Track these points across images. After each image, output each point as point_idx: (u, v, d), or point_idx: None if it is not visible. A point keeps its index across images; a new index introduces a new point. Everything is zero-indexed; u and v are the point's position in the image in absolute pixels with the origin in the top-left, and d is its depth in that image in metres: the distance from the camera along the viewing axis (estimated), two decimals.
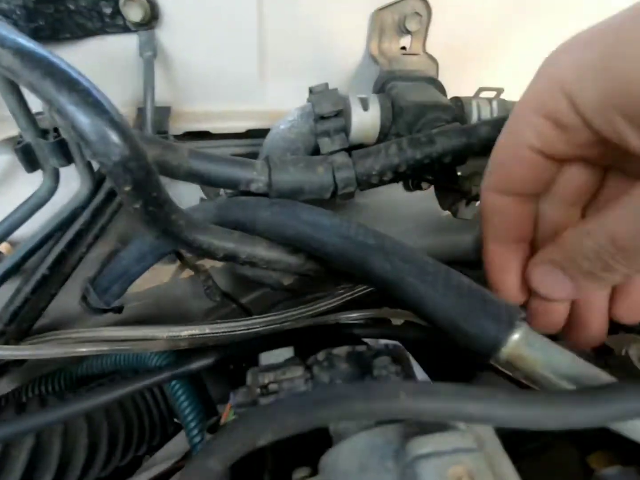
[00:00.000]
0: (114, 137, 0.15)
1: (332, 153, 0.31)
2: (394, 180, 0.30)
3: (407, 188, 0.40)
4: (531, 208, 0.23)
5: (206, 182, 0.26)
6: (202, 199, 0.39)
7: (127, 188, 0.17)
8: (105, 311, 0.33)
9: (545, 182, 0.22)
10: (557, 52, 0.18)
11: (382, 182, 0.30)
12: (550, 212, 0.23)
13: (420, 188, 0.38)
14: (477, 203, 0.36)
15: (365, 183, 0.31)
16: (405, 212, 0.56)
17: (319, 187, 0.29)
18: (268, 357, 0.25)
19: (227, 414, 0.27)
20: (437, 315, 0.21)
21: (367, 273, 0.23)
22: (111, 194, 0.33)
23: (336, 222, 0.26)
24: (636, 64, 0.14)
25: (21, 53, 0.14)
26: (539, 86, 0.19)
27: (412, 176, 0.32)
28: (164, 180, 0.20)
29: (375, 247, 0.23)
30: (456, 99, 0.37)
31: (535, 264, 0.22)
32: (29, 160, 0.28)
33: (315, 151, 0.34)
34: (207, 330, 0.33)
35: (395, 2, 0.38)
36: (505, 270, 0.23)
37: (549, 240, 0.22)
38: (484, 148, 0.29)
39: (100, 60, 0.34)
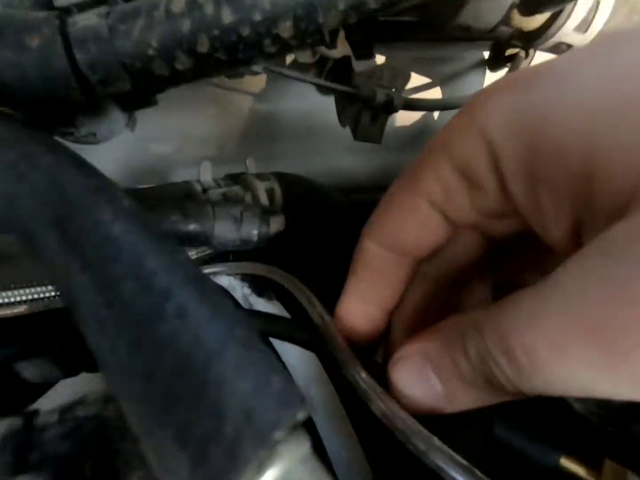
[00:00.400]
0: None
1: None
2: (201, 72, 0.16)
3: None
4: (410, 272, 0.18)
5: None
6: None
7: None
8: None
9: (435, 246, 0.17)
10: (488, 89, 0.14)
11: (178, 76, 0.16)
12: (431, 285, 0.19)
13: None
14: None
15: (142, 73, 0.16)
16: (327, 120, 0.43)
17: (34, 79, 0.15)
18: None
19: None
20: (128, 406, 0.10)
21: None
22: None
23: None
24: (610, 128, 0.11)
25: None
26: (458, 126, 0.15)
27: (235, 62, 0.17)
28: None
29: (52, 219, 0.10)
30: None
31: (401, 356, 0.16)
32: None
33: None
34: None
35: None
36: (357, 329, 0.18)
37: (423, 320, 0.18)
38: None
39: None
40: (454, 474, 0.14)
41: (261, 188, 0.37)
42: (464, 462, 0.15)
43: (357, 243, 0.18)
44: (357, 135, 0.29)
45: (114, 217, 0.10)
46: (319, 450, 0.40)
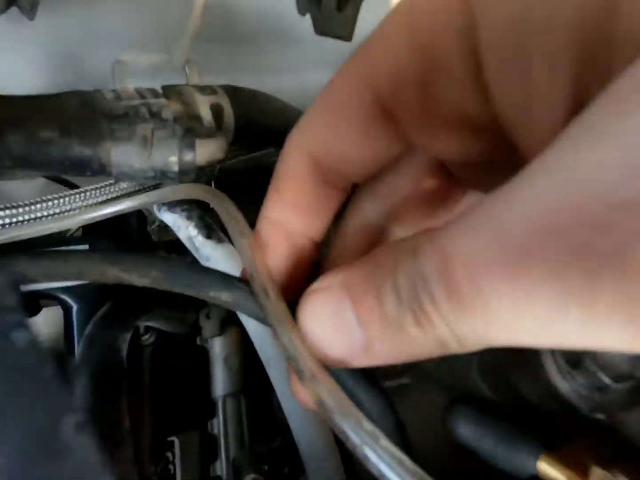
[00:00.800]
0: None
1: None
2: None
3: None
4: (342, 198, 0.16)
5: None
6: None
7: None
8: None
9: (374, 167, 0.15)
10: None
11: None
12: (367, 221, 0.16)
13: None
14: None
15: None
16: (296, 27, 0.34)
17: None
18: None
19: None
20: None
21: None
22: None
23: None
24: None
25: None
26: None
27: None
28: None
29: None
30: None
31: (315, 288, 0.13)
32: None
33: None
34: None
35: None
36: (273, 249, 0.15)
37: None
38: None
39: None
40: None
41: (204, 104, 0.29)
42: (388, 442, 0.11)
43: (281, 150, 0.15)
44: (318, 25, 0.21)
45: None
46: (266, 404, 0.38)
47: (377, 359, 0.12)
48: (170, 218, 0.33)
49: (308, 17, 0.31)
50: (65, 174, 0.18)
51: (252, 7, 0.39)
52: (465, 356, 0.27)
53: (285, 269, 0.16)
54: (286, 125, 0.37)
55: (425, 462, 0.13)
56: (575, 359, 0.17)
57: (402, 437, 0.15)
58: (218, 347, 0.38)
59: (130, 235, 0.41)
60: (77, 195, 0.28)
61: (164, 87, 0.30)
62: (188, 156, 0.19)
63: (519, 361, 0.19)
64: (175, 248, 0.39)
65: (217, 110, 0.30)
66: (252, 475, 0.27)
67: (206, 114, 0.29)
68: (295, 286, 0.16)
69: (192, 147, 0.20)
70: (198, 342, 0.39)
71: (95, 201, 0.28)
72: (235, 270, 0.33)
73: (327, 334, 0.12)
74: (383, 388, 0.17)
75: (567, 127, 0.08)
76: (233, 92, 0.32)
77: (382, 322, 0.11)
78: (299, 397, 0.15)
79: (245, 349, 0.39)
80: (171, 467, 0.34)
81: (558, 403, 0.17)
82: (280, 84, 0.41)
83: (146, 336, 0.46)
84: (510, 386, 0.20)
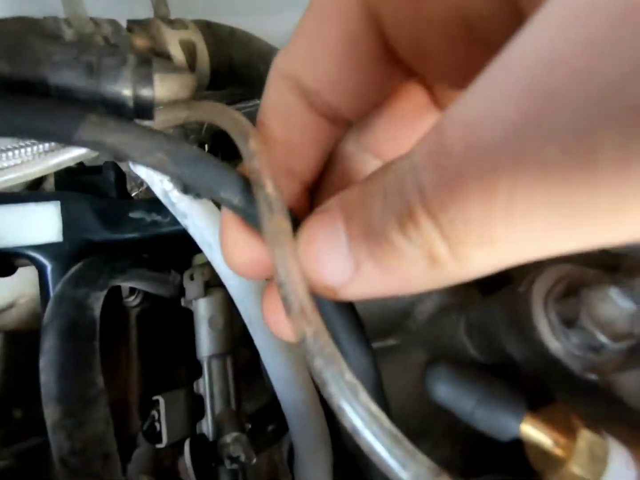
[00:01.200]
0: None
1: None
2: None
3: None
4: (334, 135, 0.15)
5: None
6: None
7: None
8: None
9: (365, 92, 0.14)
10: None
11: None
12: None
13: None
14: None
15: None
16: None
17: None
18: None
19: None
20: None
21: None
22: None
23: None
24: None
25: None
26: None
27: None
28: None
29: None
30: None
31: (317, 211, 0.12)
32: None
33: None
34: None
35: None
36: None
37: None
38: None
39: None
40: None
41: (173, 39, 0.26)
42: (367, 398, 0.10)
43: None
44: None
45: None
46: (256, 365, 0.37)
47: (367, 287, 0.11)
48: (143, 171, 0.31)
49: None
50: None
51: None
52: (452, 314, 0.26)
53: None
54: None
55: (406, 424, 0.12)
56: (570, 318, 0.15)
57: (382, 400, 0.14)
58: (202, 309, 0.37)
59: (108, 193, 0.38)
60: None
61: (128, 21, 0.26)
62: (145, 91, 0.17)
63: (508, 319, 0.18)
64: (156, 207, 0.37)
65: (188, 48, 0.27)
66: (234, 434, 0.27)
67: (176, 52, 0.26)
68: None
69: (149, 80, 0.17)
70: (182, 303, 0.38)
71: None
72: (215, 229, 0.31)
73: (319, 256, 0.11)
74: (371, 346, 0.15)
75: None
76: (207, 28, 0.29)
77: (368, 234, 0.10)
78: (275, 328, 0.14)
79: (231, 311, 0.38)
80: (157, 424, 0.34)
81: (546, 362, 0.15)
82: (262, 26, 0.37)
83: (131, 298, 0.45)
84: (496, 345, 0.19)
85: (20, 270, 0.49)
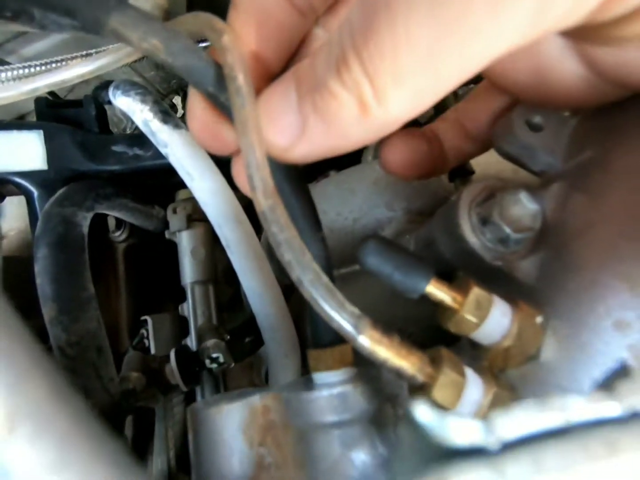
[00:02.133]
0: None
1: None
2: None
3: None
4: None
5: None
6: None
7: None
8: None
9: None
10: None
11: None
12: None
13: None
14: None
15: None
16: None
17: None
18: None
19: None
20: None
21: None
22: None
23: None
24: None
25: None
26: None
27: None
28: None
29: None
30: None
31: (276, 81, 0.14)
32: None
33: None
34: None
35: None
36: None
37: None
38: None
39: None
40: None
41: None
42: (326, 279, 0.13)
43: None
44: None
45: None
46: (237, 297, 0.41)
47: (314, 141, 0.13)
48: (124, 102, 0.32)
49: None
50: None
51: None
52: (406, 236, 0.29)
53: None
54: None
55: None
56: (485, 217, 0.18)
57: (329, 270, 0.17)
58: (185, 240, 0.40)
59: (90, 127, 0.39)
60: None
61: None
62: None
63: (442, 225, 0.21)
64: (138, 142, 0.38)
65: None
66: (214, 340, 0.30)
67: None
68: None
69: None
70: (167, 235, 0.41)
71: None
72: (196, 159, 0.33)
73: (272, 115, 0.13)
74: (321, 228, 0.18)
75: None
76: None
77: (313, 89, 0.12)
78: (242, 186, 0.16)
79: (213, 243, 0.40)
80: (146, 341, 0.38)
81: (466, 255, 0.19)
82: None
83: (118, 233, 0.47)
84: (434, 252, 0.22)
85: (6, 206, 0.50)
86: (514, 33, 0.10)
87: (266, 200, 0.13)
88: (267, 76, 0.16)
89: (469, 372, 0.14)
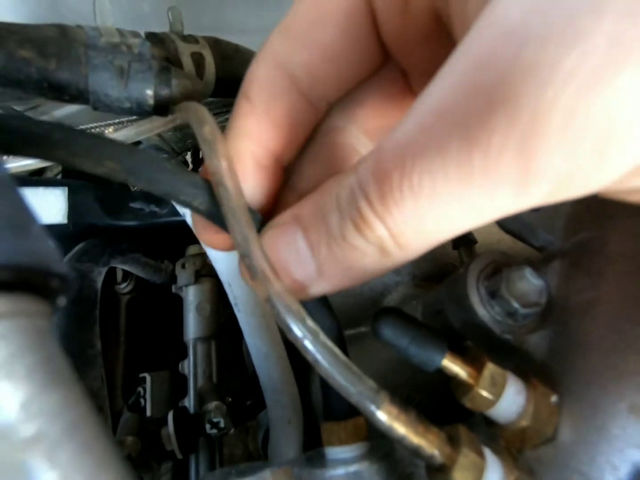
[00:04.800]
0: None
1: None
2: None
3: None
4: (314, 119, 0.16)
5: None
6: None
7: None
8: None
9: (350, 73, 0.15)
10: None
11: None
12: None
13: None
14: None
15: None
16: None
17: None
18: None
19: None
20: None
21: None
22: None
23: None
24: None
25: None
26: None
27: None
28: None
29: None
30: None
31: (272, 224, 0.14)
32: None
33: None
34: None
35: None
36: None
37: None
38: None
39: None
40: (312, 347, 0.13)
41: (185, 52, 0.30)
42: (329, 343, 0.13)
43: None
44: None
45: None
46: (239, 345, 0.40)
47: (332, 282, 0.13)
48: None
49: None
50: (46, 97, 0.19)
51: None
52: (413, 302, 0.30)
53: (253, 186, 0.15)
54: None
55: None
56: (493, 290, 0.19)
57: (338, 337, 0.17)
58: (191, 295, 0.40)
59: (110, 183, 0.41)
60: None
61: (147, 34, 0.30)
62: (164, 90, 0.21)
63: (450, 296, 0.22)
64: (155, 199, 0.40)
65: (198, 60, 0.31)
66: (215, 402, 0.29)
67: (187, 62, 0.30)
68: (268, 205, 0.16)
69: (168, 83, 0.21)
70: (173, 290, 0.41)
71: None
72: None
73: (284, 263, 0.13)
74: (331, 306, 0.19)
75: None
76: (215, 44, 0.33)
77: (328, 240, 0.12)
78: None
79: (218, 300, 0.41)
80: (142, 400, 0.36)
81: (475, 326, 0.19)
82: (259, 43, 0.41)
83: (123, 285, 0.47)
84: (442, 320, 0.23)
85: None
86: (526, 205, 0.10)
87: (270, 287, 0.13)
88: (278, 165, 0.16)
89: (488, 453, 0.14)
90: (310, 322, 0.14)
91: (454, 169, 0.10)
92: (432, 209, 0.11)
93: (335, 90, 0.15)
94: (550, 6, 0.09)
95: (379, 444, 0.17)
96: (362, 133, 0.17)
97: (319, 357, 0.14)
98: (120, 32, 0.27)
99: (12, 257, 0.07)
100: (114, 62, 0.19)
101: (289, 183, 0.17)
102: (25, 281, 0.07)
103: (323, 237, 0.13)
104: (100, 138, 0.13)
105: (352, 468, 0.15)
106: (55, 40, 0.19)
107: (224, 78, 0.34)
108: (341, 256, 0.12)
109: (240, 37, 0.42)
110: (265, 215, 0.15)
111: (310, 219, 0.13)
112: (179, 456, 0.29)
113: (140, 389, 0.37)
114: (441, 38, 0.14)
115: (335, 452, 0.16)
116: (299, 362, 0.34)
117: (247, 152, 0.15)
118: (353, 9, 0.14)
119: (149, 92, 0.20)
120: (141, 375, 0.37)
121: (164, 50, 0.29)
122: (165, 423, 0.31)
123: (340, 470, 0.14)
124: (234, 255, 0.33)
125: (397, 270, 0.33)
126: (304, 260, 0.13)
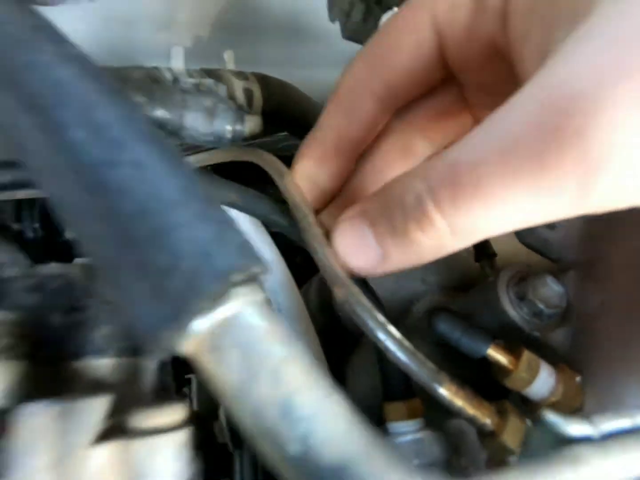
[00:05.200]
0: None
1: None
2: None
3: None
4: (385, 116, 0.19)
5: None
6: None
7: None
8: None
9: (420, 86, 0.18)
10: None
11: None
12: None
13: None
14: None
15: None
16: (317, 26, 0.39)
17: None
18: None
19: None
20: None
21: None
22: None
23: None
24: None
25: None
26: None
27: None
28: None
29: None
30: None
31: (341, 219, 0.17)
32: None
33: None
34: None
35: None
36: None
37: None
38: None
39: None
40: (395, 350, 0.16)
41: (238, 86, 0.34)
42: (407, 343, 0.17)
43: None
44: (345, 30, 0.27)
45: (58, 60, 0.09)
46: None
47: (393, 266, 0.15)
48: None
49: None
50: None
51: (282, 5, 0.43)
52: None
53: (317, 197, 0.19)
54: (306, 115, 0.42)
55: None
56: (522, 293, 0.23)
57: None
58: None
59: None
60: None
61: (205, 70, 0.35)
62: (239, 127, 0.25)
63: (482, 301, 0.25)
64: None
65: (248, 94, 0.35)
66: None
67: (240, 97, 0.34)
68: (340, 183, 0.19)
69: (242, 120, 0.25)
70: None
71: None
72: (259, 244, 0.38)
73: (353, 252, 0.16)
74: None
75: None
76: (262, 80, 0.37)
77: (393, 233, 0.15)
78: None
79: None
80: (187, 400, 0.39)
81: (506, 327, 0.23)
82: (311, 78, 0.45)
83: None
84: (470, 320, 0.26)
85: None
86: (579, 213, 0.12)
87: (345, 289, 0.16)
88: (354, 155, 0.19)
89: (528, 422, 0.17)
90: (380, 317, 0.17)
91: (524, 189, 0.12)
92: (496, 216, 0.13)
93: (404, 100, 0.18)
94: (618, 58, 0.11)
95: (431, 422, 0.20)
96: (418, 135, 0.20)
97: (390, 344, 0.17)
98: (189, 72, 0.31)
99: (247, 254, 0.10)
100: (203, 103, 0.23)
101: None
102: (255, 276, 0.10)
103: (388, 230, 0.15)
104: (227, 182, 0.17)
105: (417, 435, 0.18)
106: (156, 85, 0.23)
107: (269, 113, 0.38)
108: (403, 246, 0.15)
109: (272, 69, 0.46)
110: (336, 192, 0.20)
111: (377, 215, 0.15)
112: (231, 450, 0.32)
113: (186, 389, 0.40)
114: (497, 62, 0.16)
115: (398, 426, 0.19)
116: (335, 360, 0.38)
117: (330, 139, 0.18)
118: (424, 38, 0.17)
119: (229, 127, 0.24)
120: (187, 376, 0.40)
121: (222, 86, 0.33)
122: (217, 418, 0.34)
123: (408, 437, 0.18)
124: (280, 263, 0.36)
125: (425, 281, 0.37)
126: (371, 248, 0.15)
